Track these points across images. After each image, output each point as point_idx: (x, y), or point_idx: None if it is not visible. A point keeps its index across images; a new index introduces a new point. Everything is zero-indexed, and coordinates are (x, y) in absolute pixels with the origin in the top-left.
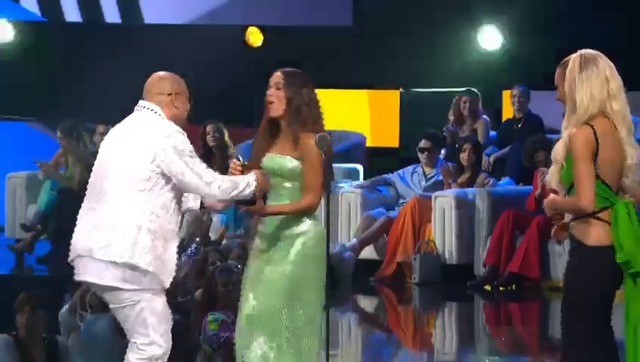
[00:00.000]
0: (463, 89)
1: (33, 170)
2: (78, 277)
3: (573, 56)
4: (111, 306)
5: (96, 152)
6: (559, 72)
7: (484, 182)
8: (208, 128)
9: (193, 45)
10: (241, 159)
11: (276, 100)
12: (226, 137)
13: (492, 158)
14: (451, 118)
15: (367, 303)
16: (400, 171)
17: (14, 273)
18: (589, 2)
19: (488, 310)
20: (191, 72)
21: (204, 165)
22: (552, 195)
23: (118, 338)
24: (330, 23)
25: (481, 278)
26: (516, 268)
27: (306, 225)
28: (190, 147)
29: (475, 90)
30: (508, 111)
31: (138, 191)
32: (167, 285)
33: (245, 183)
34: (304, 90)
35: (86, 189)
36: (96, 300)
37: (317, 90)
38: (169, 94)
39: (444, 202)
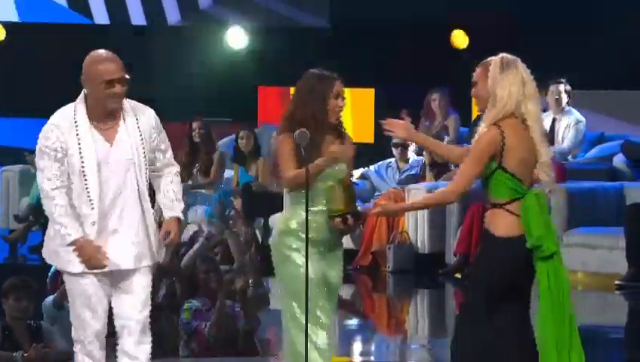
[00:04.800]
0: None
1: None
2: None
3: (495, 58)
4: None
5: None
6: (480, 71)
7: None
8: (194, 125)
9: (180, 45)
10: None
11: (342, 111)
12: (211, 133)
13: None
14: (422, 115)
15: (343, 291)
16: (375, 165)
17: (8, 262)
18: None
19: (458, 296)
20: (177, 71)
21: (51, 170)
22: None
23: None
24: (308, 25)
25: (451, 266)
26: None
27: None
28: (44, 143)
29: (445, 88)
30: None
31: None
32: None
33: (65, 231)
34: None
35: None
36: None
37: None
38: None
39: (417, 194)
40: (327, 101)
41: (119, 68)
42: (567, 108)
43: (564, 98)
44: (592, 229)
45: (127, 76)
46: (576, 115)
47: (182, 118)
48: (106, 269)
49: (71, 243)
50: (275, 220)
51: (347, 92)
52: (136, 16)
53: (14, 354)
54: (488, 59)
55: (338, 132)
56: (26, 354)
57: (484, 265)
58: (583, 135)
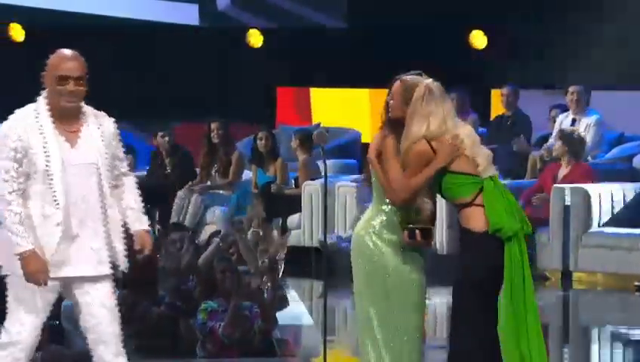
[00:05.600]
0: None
1: None
2: None
3: (420, 84)
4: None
5: None
6: (400, 88)
7: None
8: (213, 125)
9: (199, 46)
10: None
11: None
12: (229, 134)
13: None
14: None
15: None
16: None
17: None
18: None
19: None
20: (196, 72)
21: (9, 172)
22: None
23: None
24: (325, 25)
25: None
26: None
27: None
28: (2, 142)
29: (463, 88)
30: (497, 110)
31: None
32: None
33: (15, 240)
34: None
35: None
36: None
37: (320, 90)
38: None
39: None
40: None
41: (77, 67)
42: (587, 108)
43: (584, 98)
44: (612, 230)
45: (84, 77)
46: (595, 115)
47: (200, 119)
48: (66, 275)
49: (19, 253)
50: (294, 221)
51: (364, 93)
52: (157, 15)
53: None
54: (411, 80)
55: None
56: (44, 355)
57: (468, 262)
58: (603, 135)
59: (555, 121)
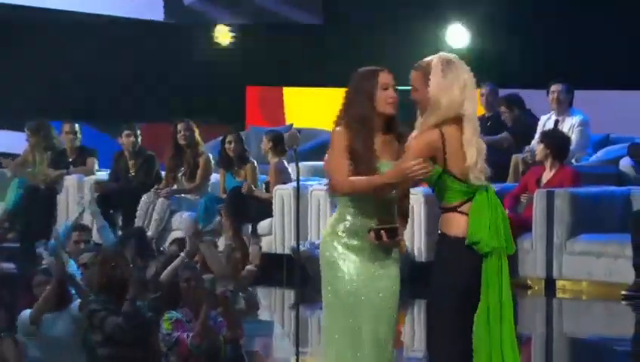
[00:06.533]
0: None
1: None
2: None
3: (434, 60)
4: None
5: (64, 151)
6: (417, 75)
7: None
8: (179, 126)
9: (164, 43)
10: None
11: (396, 99)
12: (197, 135)
13: None
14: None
15: None
16: None
17: None
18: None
19: None
20: (162, 70)
21: None
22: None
23: (77, 338)
24: (300, 21)
25: None
26: None
27: None
28: None
29: None
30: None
31: None
32: None
33: None
34: None
35: (53, 186)
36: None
37: (293, 89)
38: None
39: (414, 199)
40: (375, 97)
41: None
42: (570, 108)
43: (567, 98)
44: (597, 236)
45: None
46: (580, 115)
47: (166, 119)
48: None
49: None
50: (264, 227)
51: (340, 92)
52: (120, 10)
53: None
54: (425, 60)
55: (397, 133)
56: None
57: (442, 267)
58: (588, 137)
59: (504, 114)
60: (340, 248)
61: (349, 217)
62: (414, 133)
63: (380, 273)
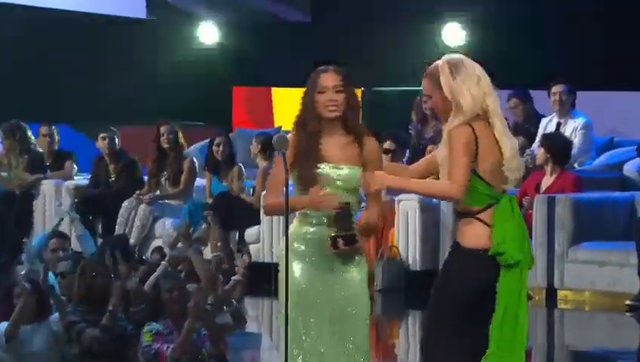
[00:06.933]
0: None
1: None
2: None
3: (440, 64)
4: None
5: (41, 154)
6: (428, 82)
7: None
8: (162, 129)
9: (146, 41)
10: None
11: (339, 102)
12: (181, 138)
13: None
14: (414, 118)
15: None
16: None
17: None
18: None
19: None
20: (143, 70)
21: None
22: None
23: (56, 352)
24: (287, 19)
25: None
26: None
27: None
28: None
29: None
30: None
31: None
32: None
33: None
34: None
35: (29, 192)
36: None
37: (282, 90)
38: None
39: (409, 206)
40: (314, 99)
41: None
42: (573, 110)
43: (569, 99)
44: (600, 244)
45: None
46: (582, 118)
47: (148, 122)
48: None
49: None
50: (252, 234)
51: None
52: (98, 6)
53: None
54: (432, 66)
55: (356, 136)
56: None
57: (452, 277)
58: (591, 140)
59: (514, 110)
60: (288, 254)
61: (306, 227)
62: (444, 136)
63: (338, 279)
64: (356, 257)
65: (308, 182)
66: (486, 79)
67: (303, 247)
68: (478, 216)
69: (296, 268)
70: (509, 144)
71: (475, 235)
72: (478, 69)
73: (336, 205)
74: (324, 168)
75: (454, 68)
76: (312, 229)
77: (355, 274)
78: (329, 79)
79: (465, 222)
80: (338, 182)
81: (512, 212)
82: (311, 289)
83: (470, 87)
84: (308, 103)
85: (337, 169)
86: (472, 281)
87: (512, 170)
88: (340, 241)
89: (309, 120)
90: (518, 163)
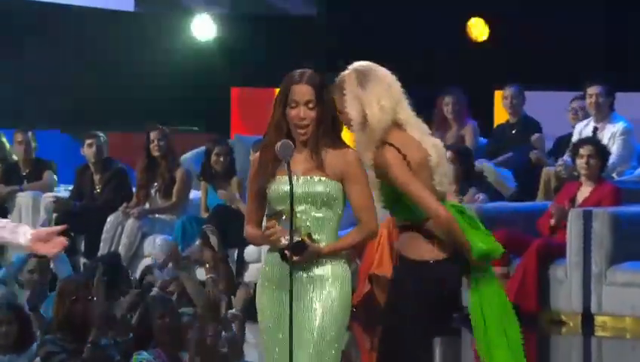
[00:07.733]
0: None
1: None
2: None
3: (345, 74)
4: None
5: (16, 163)
6: (337, 97)
7: (474, 198)
8: (152, 135)
9: (135, 36)
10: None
11: (309, 121)
12: (173, 145)
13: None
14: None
15: None
16: None
17: None
18: None
19: None
20: (132, 69)
21: None
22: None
23: None
24: (292, 13)
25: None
26: (511, 298)
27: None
28: None
29: (459, 89)
30: (501, 115)
31: None
32: None
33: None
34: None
35: (3, 206)
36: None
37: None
38: None
39: None
40: (283, 113)
41: None
42: (611, 114)
43: (607, 101)
44: None
45: None
46: (622, 122)
47: (137, 127)
48: None
49: None
50: (253, 253)
51: None
52: None
53: None
54: (339, 76)
55: (314, 148)
56: None
57: (399, 292)
58: (632, 147)
59: (575, 116)
60: (260, 281)
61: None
62: (366, 156)
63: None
64: (322, 268)
65: (270, 198)
66: (396, 85)
67: (267, 268)
68: (418, 228)
69: (266, 296)
70: (431, 150)
71: (417, 247)
72: (389, 77)
73: (281, 242)
74: (282, 184)
75: (362, 77)
76: (274, 252)
77: (326, 287)
78: (301, 91)
79: (407, 233)
80: (309, 198)
81: (462, 217)
82: (276, 325)
83: (381, 96)
84: (278, 122)
85: (308, 183)
86: (415, 295)
87: (440, 179)
88: (289, 254)
89: (275, 141)
90: (444, 170)
